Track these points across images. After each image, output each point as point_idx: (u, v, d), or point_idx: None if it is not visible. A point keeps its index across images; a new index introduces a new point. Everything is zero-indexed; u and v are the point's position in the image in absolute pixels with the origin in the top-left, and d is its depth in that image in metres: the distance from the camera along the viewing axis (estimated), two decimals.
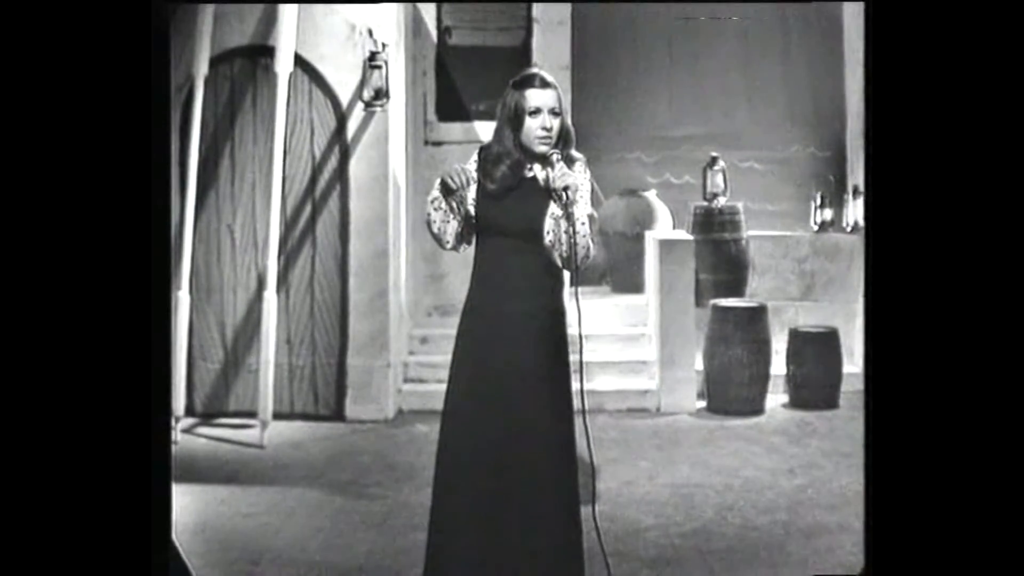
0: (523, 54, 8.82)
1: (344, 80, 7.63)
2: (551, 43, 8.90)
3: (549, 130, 3.94)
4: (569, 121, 4.01)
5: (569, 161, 3.98)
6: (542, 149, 3.94)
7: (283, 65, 7.33)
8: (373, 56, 7.56)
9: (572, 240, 3.84)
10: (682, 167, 9.40)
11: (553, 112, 3.95)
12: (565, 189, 3.84)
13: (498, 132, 4.01)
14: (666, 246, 8.04)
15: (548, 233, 3.92)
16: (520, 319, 3.97)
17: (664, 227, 8.91)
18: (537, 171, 3.98)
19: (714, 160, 8.81)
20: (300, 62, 7.52)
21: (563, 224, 3.87)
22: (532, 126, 3.93)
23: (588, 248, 3.90)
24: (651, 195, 9.07)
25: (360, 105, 7.63)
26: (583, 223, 3.89)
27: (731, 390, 7.82)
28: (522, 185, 3.97)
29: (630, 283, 8.87)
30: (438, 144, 8.94)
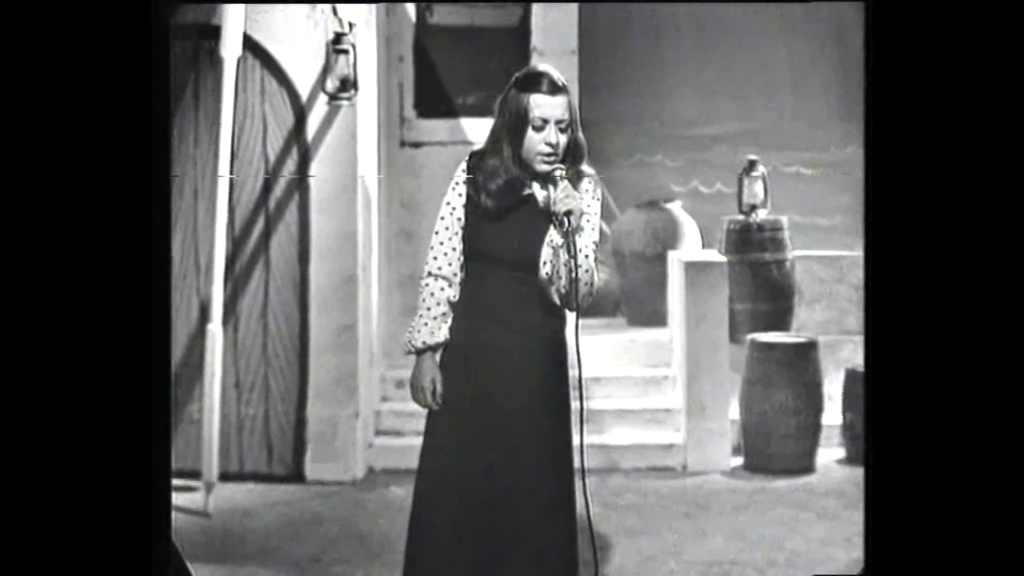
0: (520, 36, 8.83)
1: (303, 67, 7.65)
2: (555, 22, 8.89)
3: (555, 147, 4.00)
4: (580, 132, 4.09)
5: (577, 178, 4.07)
6: (544, 168, 4.02)
7: (230, 49, 7.27)
8: (338, 38, 7.56)
9: (573, 274, 3.90)
10: (713, 173, 9.42)
11: (561, 126, 4.00)
12: (567, 215, 3.91)
13: (494, 140, 4.08)
14: (694, 269, 8.05)
15: (545, 264, 4.00)
16: (512, 360, 4.06)
17: (691, 246, 8.91)
18: (537, 191, 4.06)
19: (752, 164, 8.84)
20: (250, 45, 7.53)
21: (563, 255, 3.95)
22: (535, 140, 4.00)
23: (591, 284, 3.98)
24: (675, 207, 9.08)
25: (323, 98, 7.65)
26: (587, 255, 3.97)
27: (774, 444, 7.85)
28: (521, 206, 4.06)
29: (650, 315, 8.89)
30: (417, 145, 8.93)
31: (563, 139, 4.02)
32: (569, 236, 3.92)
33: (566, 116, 4.02)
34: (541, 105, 3.98)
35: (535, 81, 4.03)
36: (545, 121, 3.98)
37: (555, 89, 4.01)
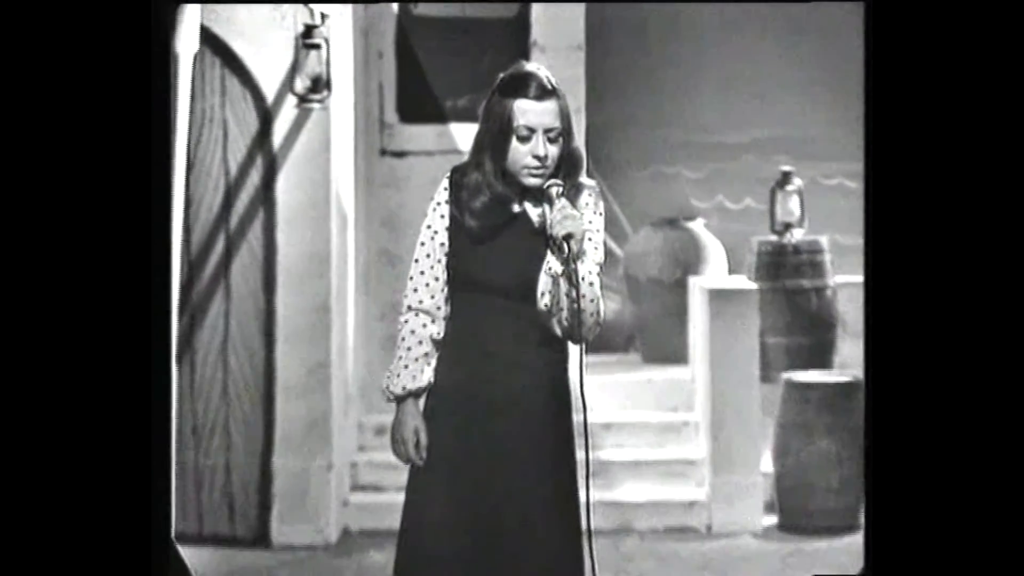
0: (519, 29, 8.83)
1: (269, 64, 7.68)
2: (558, 14, 8.86)
3: (543, 160, 4.00)
4: (576, 141, 4.10)
5: (574, 192, 4.07)
6: (532, 182, 4.03)
7: (185, 44, 7.20)
8: (309, 31, 7.57)
9: (576, 306, 3.92)
10: (741, 186, 9.48)
11: (551, 135, 4.00)
12: (567, 239, 3.91)
13: (476, 152, 4.09)
14: (719, 298, 8.04)
15: (543, 295, 4.00)
16: (508, 405, 4.05)
17: (716, 271, 8.92)
18: (530, 208, 4.07)
19: (787, 176, 8.95)
20: (208, 39, 7.51)
21: (564, 284, 3.95)
22: (520, 152, 4.00)
23: (598, 315, 3.99)
24: (697, 225, 9.07)
25: (291, 100, 7.67)
26: (591, 283, 3.98)
27: (814, 499, 7.81)
28: (511, 224, 4.07)
29: (668, 350, 8.88)
30: (400, 155, 8.89)
31: (553, 150, 4.01)
32: (570, 263, 3.91)
33: (557, 124, 4.01)
34: (526, 112, 3.97)
35: (519, 84, 4.00)
36: (531, 130, 3.98)
37: (543, 93, 3.99)
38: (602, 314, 4.02)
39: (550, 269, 3.97)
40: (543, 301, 4.00)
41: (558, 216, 3.93)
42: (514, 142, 3.98)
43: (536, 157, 3.98)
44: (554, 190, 3.98)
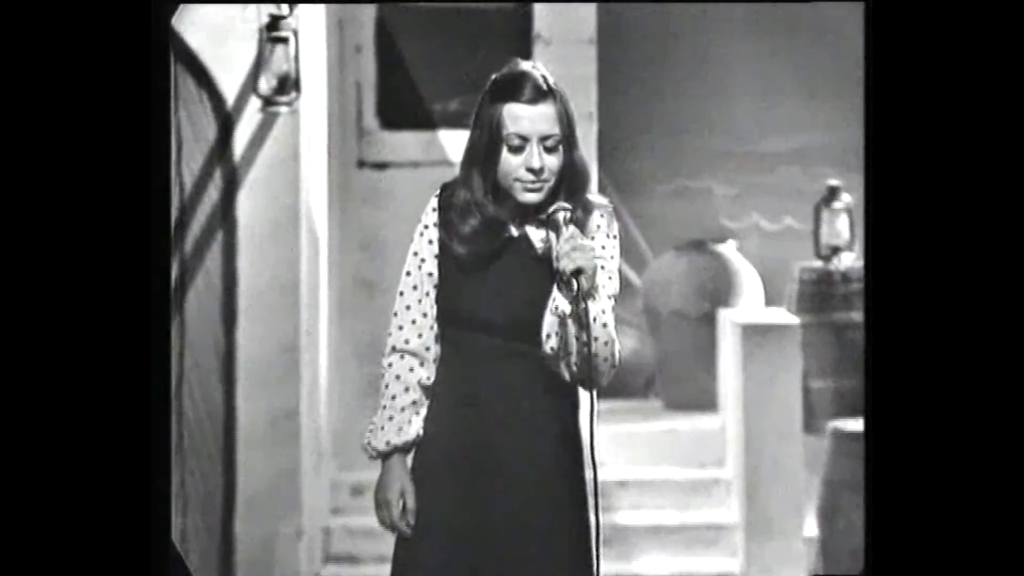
0: (520, 20, 8.87)
1: (230, 62, 7.60)
2: (566, 3, 8.94)
3: (538, 172, 3.97)
4: (580, 150, 4.09)
5: (584, 213, 4.06)
6: (528, 199, 3.99)
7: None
8: (275, 23, 7.46)
9: (588, 350, 3.89)
10: (780, 203, 9.52)
11: (548, 144, 3.97)
12: (576, 274, 3.87)
13: (464, 166, 4.09)
14: (755, 334, 8.07)
15: (549, 337, 3.99)
16: (509, 461, 4.05)
17: (751, 302, 9.02)
18: (531, 231, 4.05)
19: (833, 192, 9.09)
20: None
21: (573, 326, 3.92)
22: (512, 164, 3.97)
23: (612, 358, 3.96)
24: (729, 249, 9.18)
25: (255, 103, 7.57)
26: (604, 323, 3.94)
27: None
28: (508, 250, 4.07)
29: (694, 395, 8.95)
30: (381, 166, 8.95)
31: (551, 161, 3.97)
32: (580, 303, 3.88)
33: (555, 130, 3.96)
34: (518, 118, 3.94)
35: (511, 86, 3.98)
36: (524, 139, 3.94)
37: (537, 95, 3.96)
38: (618, 357, 3.99)
39: (557, 308, 3.95)
40: (549, 344, 3.98)
41: (566, 247, 3.88)
42: (504, 153, 3.96)
43: (531, 170, 3.95)
44: (560, 215, 3.93)
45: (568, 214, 3.94)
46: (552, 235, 3.97)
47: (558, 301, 3.93)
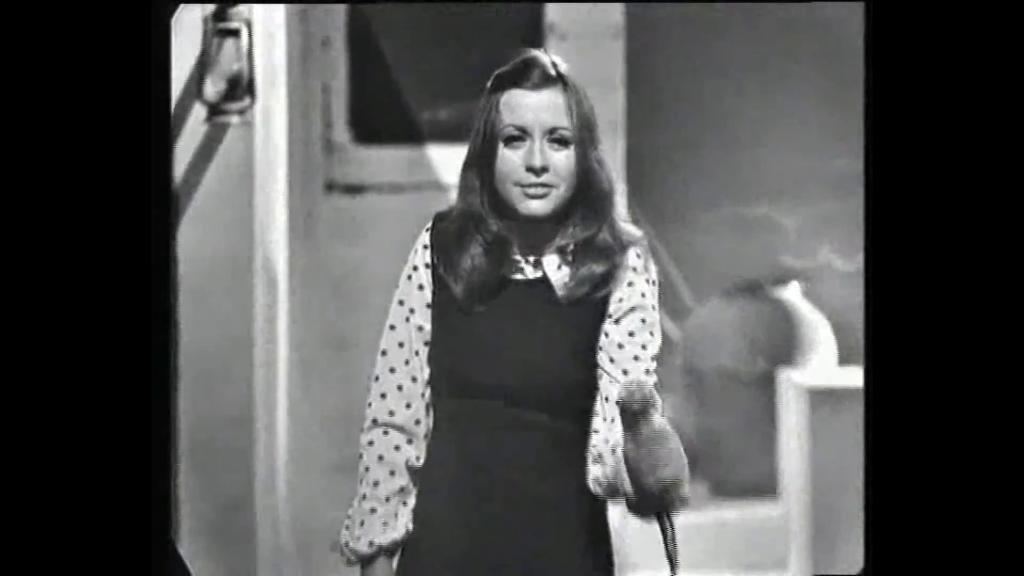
0: (530, 10, 8.79)
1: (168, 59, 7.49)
2: None
3: (539, 171, 3.88)
4: (601, 150, 4.02)
5: (617, 251, 3.98)
6: (532, 207, 3.91)
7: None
8: (223, 11, 7.38)
9: (641, 481, 3.56)
10: (858, 236, 9.37)
11: (555, 136, 3.88)
12: (666, 494, 3.60)
13: (463, 176, 4.06)
14: (825, 400, 8.20)
15: (595, 446, 3.85)
16: (524, 567, 4.01)
17: (820, 360, 9.54)
18: (550, 268, 3.97)
19: None
20: None
21: (630, 444, 3.57)
22: (511, 164, 3.89)
23: (679, 482, 3.61)
24: (792, 293, 9.66)
25: (199, 111, 7.40)
26: (669, 448, 3.57)
27: None
28: (520, 292, 4.02)
29: (749, 478, 9.50)
30: (355, 189, 8.83)
31: (559, 159, 3.88)
32: (639, 426, 3.51)
33: (563, 122, 3.89)
34: (517, 106, 3.88)
35: (515, 73, 3.93)
36: (523, 131, 3.87)
37: (543, 80, 3.90)
38: (687, 475, 3.60)
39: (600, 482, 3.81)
40: (593, 453, 3.85)
41: (648, 449, 3.59)
42: (500, 147, 3.90)
43: (531, 169, 3.87)
44: (635, 405, 3.60)
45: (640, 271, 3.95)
46: (567, 269, 3.93)
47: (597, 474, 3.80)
